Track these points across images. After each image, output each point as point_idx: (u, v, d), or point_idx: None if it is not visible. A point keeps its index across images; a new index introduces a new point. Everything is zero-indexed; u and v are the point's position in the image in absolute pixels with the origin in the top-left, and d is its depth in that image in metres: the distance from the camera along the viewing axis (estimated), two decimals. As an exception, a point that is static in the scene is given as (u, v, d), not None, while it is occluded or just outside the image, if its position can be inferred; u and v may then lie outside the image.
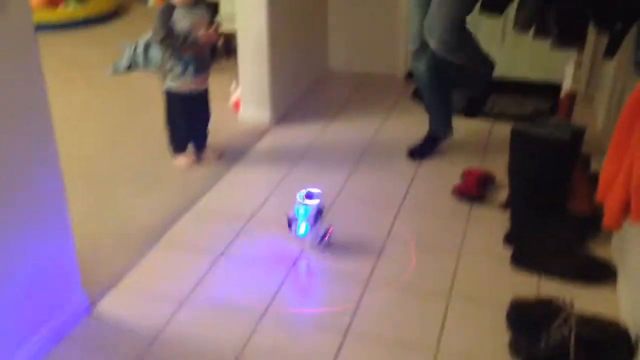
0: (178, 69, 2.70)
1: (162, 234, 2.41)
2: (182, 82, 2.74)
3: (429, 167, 2.95)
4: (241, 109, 3.35)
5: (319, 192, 2.33)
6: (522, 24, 2.52)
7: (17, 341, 1.75)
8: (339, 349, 1.88)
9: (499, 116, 3.39)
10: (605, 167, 1.92)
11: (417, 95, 3.75)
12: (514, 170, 2.44)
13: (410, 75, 4.00)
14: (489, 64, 2.94)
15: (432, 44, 2.70)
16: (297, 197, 2.32)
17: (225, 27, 3.55)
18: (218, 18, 2.80)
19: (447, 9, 2.66)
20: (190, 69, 2.72)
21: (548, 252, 2.24)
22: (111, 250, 2.30)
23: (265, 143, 3.17)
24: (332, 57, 4.11)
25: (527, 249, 2.29)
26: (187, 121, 2.85)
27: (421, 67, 2.89)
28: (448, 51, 2.71)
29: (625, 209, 1.79)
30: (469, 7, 2.66)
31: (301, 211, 2.31)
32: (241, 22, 3.19)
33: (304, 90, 3.73)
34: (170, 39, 2.62)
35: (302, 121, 3.39)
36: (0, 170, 1.60)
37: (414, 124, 3.25)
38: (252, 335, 1.93)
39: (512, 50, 3.71)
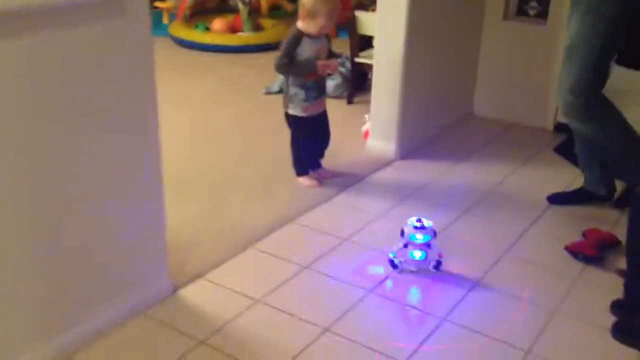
0: (302, 94, 2.82)
1: (259, 239, 2.51)
2: (305, 107, 2.85)
3: (549, 220, 2.75)
4: (369, 139, 3.40)
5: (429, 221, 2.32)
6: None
7: (102, 298, 1.93)
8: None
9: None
10: None
11: (561, 149, 3.53)
12: (632, 236, 2.19)
13: (559, 128, 3.79)
14: None
15: (559, 105, 2.55)
16: (409, 223, 2.31)
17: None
18: (336, 50, 2.90)
19: (571, 65, 2.50)
20: (312, 94, 2.83)
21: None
22: (210, 246, 2.45)
23: (384, 174, 3.17)
24: (478, 102, 4.02)
25: (636, 321, 2.03)
26: (311, 143, 2.96)
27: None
28: (573, 116, 2.54)
29: None
30: (598, 65, 2.45)
31: (419, 236, 2.28)
32: (377, 53, 3.26)
33: (441, 130, 3.68)
34: (289, 66, 2.76)
35: (430, 159, 3.34)
36: (112, 156, 1.81)
37: (549, 177, 3.09)
38: (309, 346, 1.93)
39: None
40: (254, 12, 5.52)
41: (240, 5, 5.34)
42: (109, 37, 1.70)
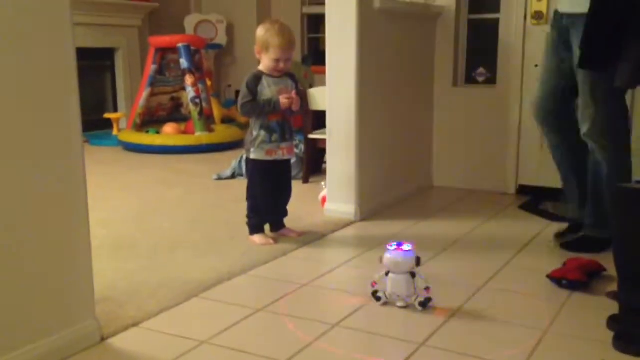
0: (263, 135, 2.67)
1: (206, 289, 2.21)
2: (268, 150, 2.67)
3: (527, 257, 2.54)
4: (327, 202, 3.20)
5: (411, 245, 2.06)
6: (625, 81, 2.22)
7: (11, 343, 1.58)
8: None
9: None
10: None
11: (527, 207, 3.40)
12: (618, 237, 1.99)
13: (521, 191, 3.68)
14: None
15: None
16: (388, 248, 2.05)
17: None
18: (302, 87, 2.77)
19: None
20: (276, 136, 2.67)
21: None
22: (148, 297, 2.12)
23: (345, 232, 2.94)
24: (436, 173, 3.92)
25: (635, 329, 1.77)
26: (269, 194, 2.72)
27: (554, 139, 2.72)
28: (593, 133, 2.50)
29: None
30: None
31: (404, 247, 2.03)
32: (330, 118, 3.15)
33: (402, 197, 3.53)
34: (252, 104, 2.63)
35: (392, 219, 3.15)
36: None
37: (518, 228, 2.97)
38: (264, 379, 1.60)
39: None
40: (207, 118, 5.49)
41: (191, 106, 5.31)
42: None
